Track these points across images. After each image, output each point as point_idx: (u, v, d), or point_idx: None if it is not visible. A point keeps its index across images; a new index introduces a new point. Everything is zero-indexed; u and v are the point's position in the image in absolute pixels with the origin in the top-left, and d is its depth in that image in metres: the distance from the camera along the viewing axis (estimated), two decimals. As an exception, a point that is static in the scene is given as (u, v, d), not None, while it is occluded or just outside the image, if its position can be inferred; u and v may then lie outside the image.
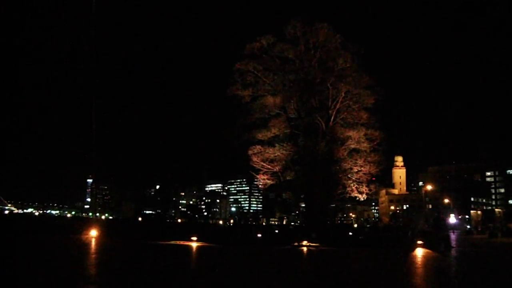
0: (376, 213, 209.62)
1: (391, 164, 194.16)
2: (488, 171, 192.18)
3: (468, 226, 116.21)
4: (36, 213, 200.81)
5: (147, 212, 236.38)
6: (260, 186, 59.39)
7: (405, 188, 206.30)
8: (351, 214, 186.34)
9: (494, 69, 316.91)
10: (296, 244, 43.37)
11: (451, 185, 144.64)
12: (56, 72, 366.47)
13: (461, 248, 47.53)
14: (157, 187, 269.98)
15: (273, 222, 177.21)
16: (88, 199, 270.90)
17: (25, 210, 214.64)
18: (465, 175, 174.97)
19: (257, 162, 54.00)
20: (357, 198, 54.80)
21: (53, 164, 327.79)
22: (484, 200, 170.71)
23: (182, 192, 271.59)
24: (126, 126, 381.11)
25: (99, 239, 46.37)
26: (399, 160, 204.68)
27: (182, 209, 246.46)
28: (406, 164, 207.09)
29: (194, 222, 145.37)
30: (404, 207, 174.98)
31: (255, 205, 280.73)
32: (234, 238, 49.69)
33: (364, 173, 52.62)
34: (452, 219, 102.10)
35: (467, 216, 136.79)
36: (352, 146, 52.89)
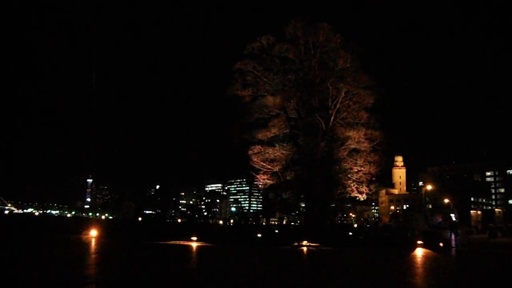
0: (376, 213, 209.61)
1: (391, 164, 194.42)
2: (488, 171, 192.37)
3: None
4: (36, 213, 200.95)
5: (147, 212, 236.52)
6: (260, 186, 59.39)
7: (405, 188, 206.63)
8: (351, 214, 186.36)
9: (494, 69, 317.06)
10: (296, 244, 43.36)
11: (451, 185, 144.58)
12: (56, 71, 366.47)
13: (461, 248, 47.55)
14: (157, 187, 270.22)
15: (273, 222, 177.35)
16: (88, 199, 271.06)
17: (25, 210, 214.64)
18: (465, 175, 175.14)
19: (257, 162, 54.04)
20: (357, 198, 54.79)
21: (53, 164, 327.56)
22: (484, 200, 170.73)
23: (182, 192, 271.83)
24: (126, 126, 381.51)
25: (99, 239, 46.31)
26: (399, 160, 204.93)
27: (182, 209, 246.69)
28: (406, 164, 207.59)
29: (194, 222, 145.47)
30: (404, 207, 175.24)
31: (255, 205, 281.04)
32: (234, 238, 49.68)
33: (364, 173, 52.65)
34: (452, 219, 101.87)
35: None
36: (352, 146, 52.93)
